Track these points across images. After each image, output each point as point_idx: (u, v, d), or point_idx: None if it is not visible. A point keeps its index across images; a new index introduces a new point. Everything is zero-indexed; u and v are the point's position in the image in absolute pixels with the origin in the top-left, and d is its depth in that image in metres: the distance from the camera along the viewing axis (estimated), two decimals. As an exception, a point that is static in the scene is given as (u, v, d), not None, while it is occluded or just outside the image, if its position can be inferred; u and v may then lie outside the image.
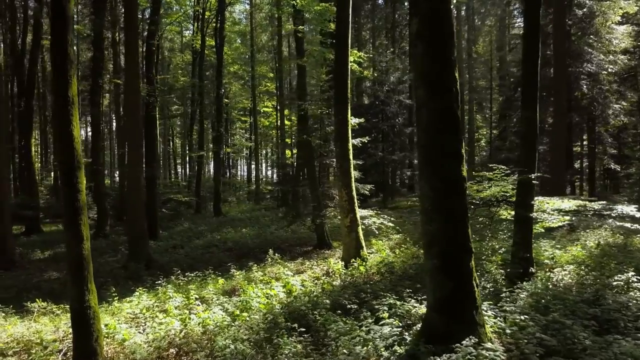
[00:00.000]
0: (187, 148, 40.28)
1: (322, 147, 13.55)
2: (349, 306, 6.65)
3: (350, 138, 10.51)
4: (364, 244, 10.48)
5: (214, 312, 6.44)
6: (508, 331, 4.93)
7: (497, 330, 4.97)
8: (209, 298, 7.67)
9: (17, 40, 25.89)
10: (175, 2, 29.76)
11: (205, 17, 30.77)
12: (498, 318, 5.19)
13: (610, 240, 10.76)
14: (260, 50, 44.23)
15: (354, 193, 10.44)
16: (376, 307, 6.22)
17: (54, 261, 14.56)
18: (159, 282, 8.82)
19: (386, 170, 26.86)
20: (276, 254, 10.61)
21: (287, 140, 35.80)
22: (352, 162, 10.48)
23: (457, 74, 5.02)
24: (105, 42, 24.57)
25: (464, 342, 4.42)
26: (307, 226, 17.69)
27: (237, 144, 48.30)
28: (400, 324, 5.42)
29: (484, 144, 37.53)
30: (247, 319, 6.11)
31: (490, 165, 8.59)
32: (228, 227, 20.04)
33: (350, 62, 14.09)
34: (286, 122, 42.31)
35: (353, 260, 9.64)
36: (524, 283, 7.22)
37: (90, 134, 36.84)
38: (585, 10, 20.43)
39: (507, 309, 5.44)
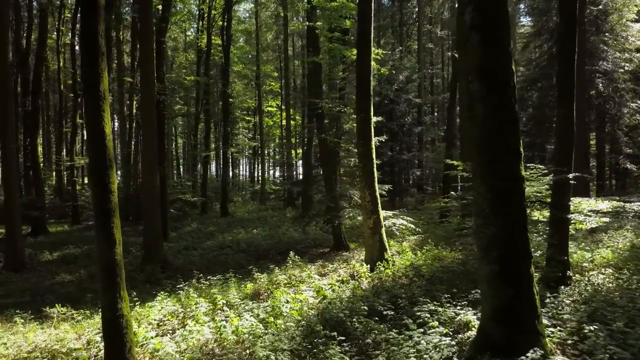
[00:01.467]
0: (191, 148, 40.01)
1: (337, 146, 13.22)
2: (385, 312, 6.36)
3: (373, 137, 10.21)
4: (387, 246, 10.17)
5: (245, 319, 6.13)
6: (570, 342, 4.62)
7: (558, 340, 4.66)
8: (235, 303, 7.35)
9: (22, 38, 25.55)
10: (179, 1, 29.45)
11: (211, 15, 30.42)
12: (558, 327, 4.87)
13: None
14: (265, 49, 43.93)
15: (377, 193, 10.13)
16: (417, 313, 5.92)
17: (64, 263, 14.25)
18: (180, 285, 8.50)
19: (395, 170, 26.57)
20: (296, 256, 10.29)
21: (292, 139, 35.56)
22: (375, 161, 10.18)
23: (513, 67, 4.72)
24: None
25: (528, 354, 4.12)
26: (319, 227, 17.42)
27: (239, 144, 48.00)
28: (449, 333, 5.11)
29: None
30: (282, 326, 5.79)
31: (528, 165, 8.28)
32: (238, 227, 19.74)
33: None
34: (285, 122, 42.08)
35: (379, 263, 9.33)
36: (563, 287, 6.92)
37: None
38: (600, 7, 20.14)
39: (565, 317, 5.13)
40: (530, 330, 4.42)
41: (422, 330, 5.16)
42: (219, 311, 6.87)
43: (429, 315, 5.81)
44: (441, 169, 32.92)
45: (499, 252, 4.54)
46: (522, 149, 4.67)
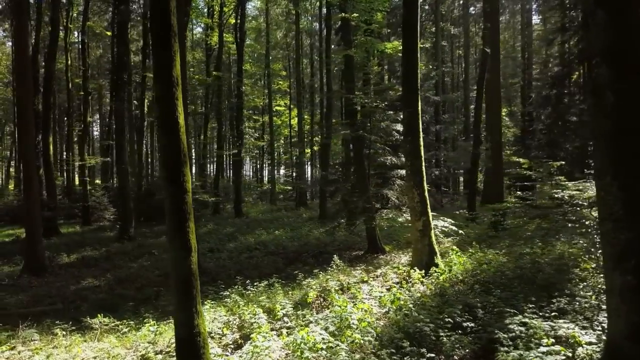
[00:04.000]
0: (200, 147, 39.39)
1: (372, 143, 12.63)
2: (464, 324, 5.78)
3: (421, 133, 9.61)
4: (437, 250, 9.58)
5: (315, 332, 5.53)
6: None
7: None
8: (289, 312, 6.75)
9: (30, 35, 24.92)
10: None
11: (223, 12, 29.81)
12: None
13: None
14: (274, 47, 43.34)
15: (427, 194, 9.53)
16: (509, 325, 5.32)
17: (85, 266, 13.67)
18: (223, 292, 7.91)
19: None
20: (339, 260, 9.70)
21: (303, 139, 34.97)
22: (424, 159, 9.58)
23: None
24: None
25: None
26: (342, 227, 16.84)
27: (246, 143, 47.41)
28: (566, 353, 4.52)
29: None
30: (362, 341, 5.20)
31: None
32: (258, 228, 19.15)
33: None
34: (294, 121, 41.47)
35: (434, 268, 8.73)
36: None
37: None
38: None
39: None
40: (675, 351, 3.84)
41: (529, 347, 4.56)
42: (278, 322, 6.27)
43: (522, 329, 5.22)
44: (459, 167, 32.42)
45: (636, 261, 3.95)
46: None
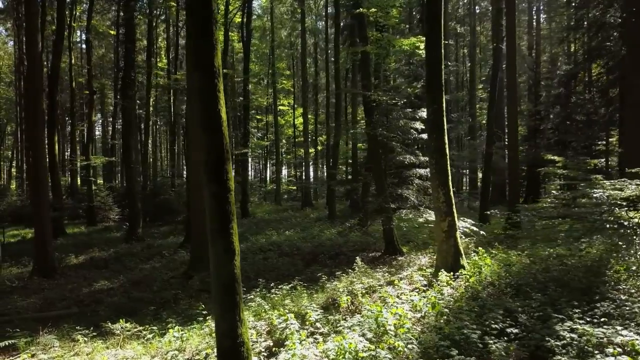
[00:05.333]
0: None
1: (389, 141, 12.35)
2: (507, 330, 5.49)
3: (446, 130, 9.32)
4: (462, 251, 9.29)
5: (351, 338, 5.25)
6: None
7: None
8: (318, 317, 6.46)
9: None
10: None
11: (228, 9, 29.53)
12: None
13: None
14: (278, 46, 43.05)
15: (452, 193, 9.25)
16: (561, 332, 5.04)
17: (95, 267, 13.38)
18: (245, 295, 7.61)
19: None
20: (362, 262, 9.42)
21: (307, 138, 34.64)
22: (449, 157, 9.29)
23: None
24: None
25: None
26: (353, 229, 16.58)
27: (250, 143, 47.12)
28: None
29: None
30: (406, 349, 4.91)
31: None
32: (267, 229, 18.88)
33: (421, 50, 12.98)
34: (298, 120, 41.17)
35: (461, 270, 8.44)
36: None
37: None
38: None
39: None
40: None
41: (584, 356, 4.27)
42: (310, 327, 5.98)
43: (574, 335, 4.94)
44: (465, 167, 32.12)
45: None
46: None
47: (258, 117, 49.86)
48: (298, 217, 24.23)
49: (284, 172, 54.09)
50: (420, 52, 12.67)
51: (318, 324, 6.02)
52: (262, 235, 17.17)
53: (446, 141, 9.31)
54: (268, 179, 53.44)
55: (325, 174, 36.13)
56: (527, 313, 6.07)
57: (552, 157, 8.32)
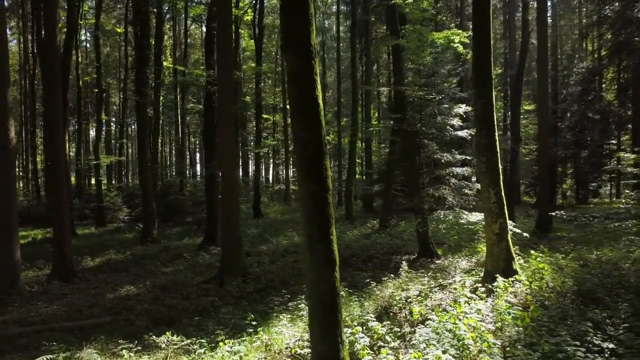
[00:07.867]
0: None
1: (425, 138, 11.81)
2: (602, 344, 4.97)
3: (496, 127, 8.79)
4: (514, 255, 8.75)
5: (430, 354, 4.71)
6: None
7: None
8: (373, 326, 5.90)
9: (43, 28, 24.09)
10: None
11: (239, 7, 28.99)
12: None
13: None
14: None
15: (503, 193, 8.70)
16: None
17: (114, 270, 12.83)
18: (289, 302, 7.08)
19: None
20: (408, 266, 8.87)
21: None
22: (499, 155, 8.75)
23: None
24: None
25: None
26: (378, 229, 16.06)
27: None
28: None
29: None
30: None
31: None
32: (286, 229, 18.34)
33: (456, 43, 12.45)
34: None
35: (516, 275, 7.90)
36: None
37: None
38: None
39: None
40: None
41: None
42: (379, 341, 5.43)
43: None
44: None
45: None
46: None
47: (265, 116, 49.37)
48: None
49: (290, 172, 53.55)
50: (456, 45, 12.13)
51: (388, 337, 5.47)
52: (282, 236, 16.64)
53: (497, 138, 8.78)
54: (271, 178, 52.96)
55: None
56: (614, 325, 5.55)
57: (624, 155, 7.79)
